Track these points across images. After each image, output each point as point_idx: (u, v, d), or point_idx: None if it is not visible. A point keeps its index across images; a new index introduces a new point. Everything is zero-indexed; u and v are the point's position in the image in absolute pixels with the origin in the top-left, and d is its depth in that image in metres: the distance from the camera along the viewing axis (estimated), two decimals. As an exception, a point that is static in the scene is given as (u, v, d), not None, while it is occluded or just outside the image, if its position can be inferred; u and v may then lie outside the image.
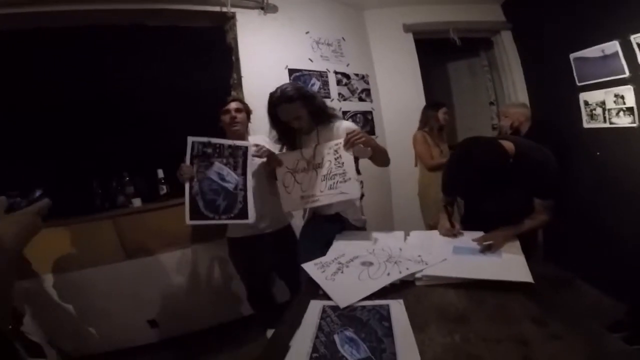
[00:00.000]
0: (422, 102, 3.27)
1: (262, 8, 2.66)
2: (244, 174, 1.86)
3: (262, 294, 2.24)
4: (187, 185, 1.79)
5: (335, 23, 3.05)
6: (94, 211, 2.26)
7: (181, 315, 2.43)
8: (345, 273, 1.25)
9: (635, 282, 1.96)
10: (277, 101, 1.67)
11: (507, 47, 3.48)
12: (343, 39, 3.06)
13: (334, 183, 1.66)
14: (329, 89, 2.90)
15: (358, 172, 1.73)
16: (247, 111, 2.07)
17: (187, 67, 2.87)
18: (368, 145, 1.64)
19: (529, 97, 3.35)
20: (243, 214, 1.84)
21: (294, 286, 2.03)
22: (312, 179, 1.70)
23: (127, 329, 2.32)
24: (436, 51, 3.83)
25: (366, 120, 3.08)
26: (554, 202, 1.48)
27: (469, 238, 1.47)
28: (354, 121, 3.01)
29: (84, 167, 2.43)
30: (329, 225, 1.82)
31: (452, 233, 1.55)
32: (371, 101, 3.19)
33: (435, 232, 1.62)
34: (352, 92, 3.05)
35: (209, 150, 1.83)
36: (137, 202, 2.36)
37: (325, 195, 1.68)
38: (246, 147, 1.86)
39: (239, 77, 2.58)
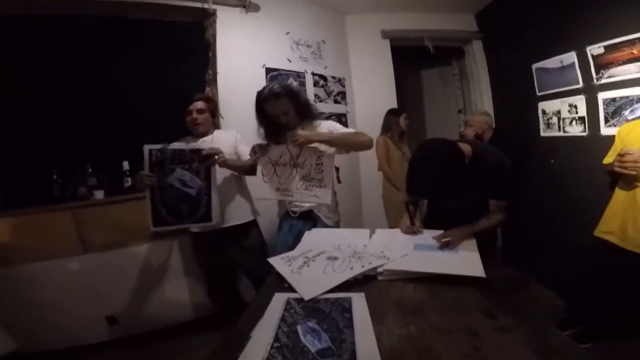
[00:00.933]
0: (394, 106, 3.34)
1: (244, 6, 2.65)
2: (207, 179, 1.85)
3: (224, 287, 2.22)
4: (147, 193, 1.77)
5: (317, 25, 3.08)
6: (53, 202, 2.16)
7: (142, 313, 2.32)
8: (311, 267, 1.27)
9: (578, 282, 2.07)
10: (265, 98, 1.75)
11: (477, 57, 3.61)
12: (323, 41, 3.08)
13: (310, 185, 1.74)
14: (306, 90, 2.91)
15: (338, 180, 1.85)
16: (212, 109, 2.07)
17: (162, 61, 2.80)
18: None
19: (493, 106, 3.50)
20: (206, 217, 1.86)
21: (259, 283, 1.99)
22: (291, 175, 1.76)
23: (83, 325, 2.19)
24: (411, 59, 3.92)
25: (340, 122, 3.09)
26: (508, 203, 1.56)
27: (429, 236, 1.53)
28: None
29: (46, 157, 2.33)
30: (301, 222, 1.88)
31: (412, 231, 1.61)
32: (346, 104, 3.23)
33: (399, 231, 1.67)
34: (328, 94, 3.09)
35: (168, 157, 1.79)
36: (99, 194, 2.26)
37: (300, 193, 1.76)
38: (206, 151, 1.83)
39: (214, 73, 2.55)
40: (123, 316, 2.27)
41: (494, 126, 2.92)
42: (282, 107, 1.75)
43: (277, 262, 1.34)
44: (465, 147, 1.46)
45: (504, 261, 3.07)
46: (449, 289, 1.12)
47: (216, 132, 2.10)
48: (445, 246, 1.40)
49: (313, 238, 1.66)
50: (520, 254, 3.05)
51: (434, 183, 1.32)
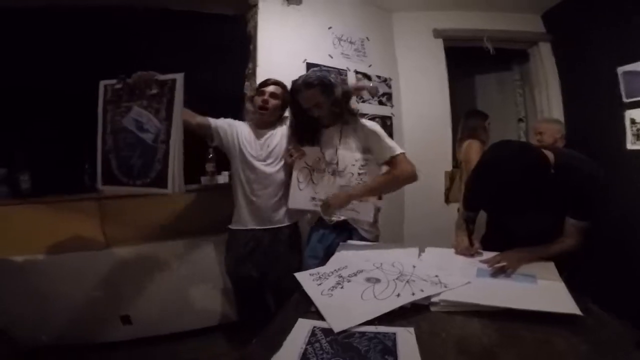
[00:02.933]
0: (446, 112, 3.11)
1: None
2: (168, 118, 1.45)
3: (251, 297, 1.95)
4: (99, 139, 1.52)
5: (361, 22, 2.91)
6: (82, 191, 2.07)
7: (159, 315, 2.20)
8: (346, 289, 1.05)
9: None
10: (298, 87, 1.60)
11: (544, 60, 3.24)
12: (367, 38, 2.90)
13: None
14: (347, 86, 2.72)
15: (380, 197, 1.67)
16: (284, 100, 1.80)
17: (202, 54, 2.79)
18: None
19: (564, 113, 3.10)
20: (160, 179, 1.46)
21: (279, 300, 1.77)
22: (328, 183, 1.61)
23: (96, 322, 2.12)
24: (464, 61, 3.62)
25: (384, 125, 2.88)
26: (589, 225, 1.27)
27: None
28: None
29: (80, 146, 2.28)
30: (334, 233, 1.68)
31: (469, 252, 1.37)
32: (392, 106, 3.00)
33: (453, 251, 1.43)
34: (372, 94, 2.86)
35: (124, 92, 1.48)
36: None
37: None
38: (173, 81, 1.48)
39: (254, 67, 2.45)
40: (138, 317, 2.17)
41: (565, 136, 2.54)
42: (314, 98, 1.57)
43: (305, 278, 1.15)
44: (547, 154, 1.20)
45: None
46: (530, 329, 0.86)
47: (279, 128, 1.85)
48: (499, 272, 1.15)
49: (349, 252, 1.44)
50: (589, 281, 2.59)
51: (511, 191, 1.08)
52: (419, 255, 1.41)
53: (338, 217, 1.67)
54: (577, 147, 2.38)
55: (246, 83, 2.49)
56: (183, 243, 2.23)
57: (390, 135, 2.92)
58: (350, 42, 2.80)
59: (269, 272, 1.81)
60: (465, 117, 2.78)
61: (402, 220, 3.07)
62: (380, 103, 2.92)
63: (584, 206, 1.25)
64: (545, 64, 3.24)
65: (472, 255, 1.36)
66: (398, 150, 1.61)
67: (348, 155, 1.60)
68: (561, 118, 3.02)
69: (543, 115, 3.22)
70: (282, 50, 2.52)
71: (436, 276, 1.11)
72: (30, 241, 1.96)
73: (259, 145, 1.79)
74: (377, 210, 1.69)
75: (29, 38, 2.48)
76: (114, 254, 2.10)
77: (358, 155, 1.60)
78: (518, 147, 1.19)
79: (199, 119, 1.75)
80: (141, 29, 2.70)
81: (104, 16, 2.50)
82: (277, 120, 1.86)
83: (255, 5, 2.49)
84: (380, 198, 1.77)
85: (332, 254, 1.45)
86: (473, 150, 2.54)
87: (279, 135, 1.82)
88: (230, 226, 1.88)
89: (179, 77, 1.48)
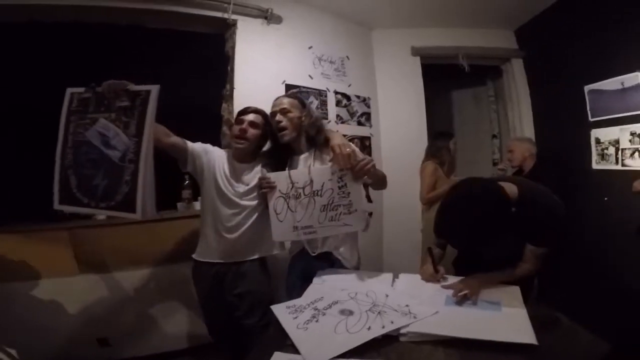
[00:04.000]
0: (423, 130, 3.21)
1: (266, 18, 2.59)
2: (138, 134, 1.33)
3: (224, 328, 1.90)
4: (58, 153, 1.40)
5: (341, 40, 2.99)
6: (52, 219, 2.04)
7: (135, 337, 2.26)
8: (321, 322, 1.10)
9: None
10: (275, 100, 1.65)
11: (516, 77, 3.41)
12: (347, 57, 2.99)
13: (336, 214, 1.50)
14: (327, 109, 2.82)
15: (369, 199, 1.61)
16: (265, 130, 1.73)
17: (182, 73, 2.79)
18: (375, 172, 1.53)
19: (534, 131, 3.27)
20: (128, 202, 1.32)
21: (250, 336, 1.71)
22: (308, 208, 1.51)
23: (73, 345, 2.12)
24: (440, 77, 3.76)
25: (363, 146, 2.98)
26: (547, 251, 1.38)
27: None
28: None
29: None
30: (317, 264, 1.64)
31: (435, 279, 1.44)
32: (370, 126, 3.09)
33: None
34: (352, 114, 2.97)
35: (92, 102, 1.36)
36: (101, 215, 2.09)
37: (325, 227, 1.51)
38: (147, 93, 1.36)
39: (232, 89, 2.48)
40: (115, 339, 2.22)
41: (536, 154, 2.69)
42: (284, 104, 1.61)
43: (282, 312, 1.18)
44: (510, 188, 1.31)
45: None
46: (489, 356, 0.95)
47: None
48: (461, 300, 1.24)
49: (326, 281, 1.48)
50: (558, 292, 2.72)
51: (472, 230, 1.18)
52: (393, 282, 1.46)
53: (321, 249, 1.64)
54: (546, 165, 2.57)
55: (223, 105, 2.50)
56: (158, 270, 2.28)
57: (369, 155, 3.02)
58: (331, 62, 2.88)
59: (237, 306, 1.75)
60: (432, 138, 2.92)
61: (381, 239, 3.15)
62: (359, 124, 3.00)
63: (543, 236, 1.36)
64: (517, 81, 3.41)
65: (437, 281, 1.42)
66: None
67: (322, 170, 1.51)
68: (532, 135, 3.19)
69: (515, 132, 3.39)
70: (261, 71, 2.56)
71: (407, 306, 1.17)
72: (4, 269, 1.96)
73: (235, 180, 1.72)
74: (369, 215, 1.69)
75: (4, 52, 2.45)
76: (88, 280, 2.14)
77: (333, 168, 1.49)
78: (480, 185, 1.27)
79: (175, 139, 1.64)
80: (120, 45, 2.69)
81: (83, 31, 2.48)
82: (257, 153, 1.79)
83: (234, 25, 2.51)
84: (370, 201, 1.72)
85: (311, 280, 1.49)
86: (426, 171, 2.71)
87: (258, 172, 1.72)
88: (194, 256, 1.81)
89: (154, 89, 1.37)
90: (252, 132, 1.69)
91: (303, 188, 1.51)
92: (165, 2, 2.33)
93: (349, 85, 2.97)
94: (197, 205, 2.40)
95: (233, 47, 2.52)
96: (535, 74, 3.30)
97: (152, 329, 2.30)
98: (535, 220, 1.30)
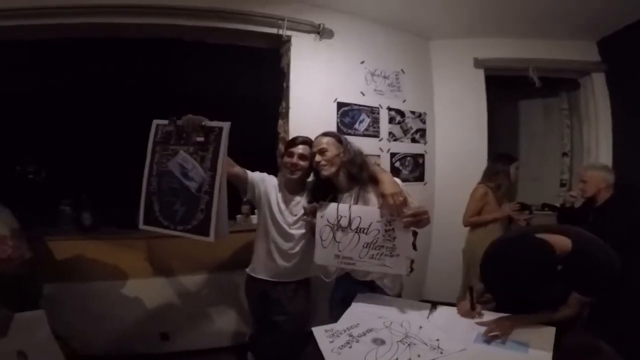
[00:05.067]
0: (483, 148, 3.06)
1: (318, 33, 2.60)
2: (213, 168, 1.52)
3: (265, 340, 2.07)
4: (144, 180, 1.63)
5: (396, 52, 2.93)
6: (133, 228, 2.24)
7: (193, 333, 2.56)
8: (354, 349, 1.24)
9: None
10: (314, 140, 1.74)
11: (596, 92, 3.11)
12: (402, 71, 2.93)
13: (377, 254, 1.56)
14: (379, 127, 2.80)
15: (415, 247, 1.62)
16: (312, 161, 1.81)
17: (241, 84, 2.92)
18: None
19: (613, 155, 2.97)
20: (203, 227, 1.53)
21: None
22: (352, 242, 1.59)
23: (139, 338, 2.47)
24: (506, 85, 3.50)
25: (416, 165, 2.92)
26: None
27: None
28: (402, 165, 2.87)
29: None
30: (359, 288, 1.74)
31: (471, 315, 1.48)
32: (425, 143, 3.02)
33: None
34: (405, 131, 2.92)
35: (173, 134, 1.56)
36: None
37: (364, 262, 1.58)
38: (220, 130, 1.53)
39: (287, 107, 2.56)
40: (174, 334, 2.53)
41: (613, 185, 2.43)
42: (322, 144, 1.68)
43: (320, 334, 1.33)
44: (562, 242, 1.31)
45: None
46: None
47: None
48: (491, 339, 1.28)
49: (364, 307, 1.58)
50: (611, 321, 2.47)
51: (514, 288, 1.26)
52: (430, 313, 1.51)
53: (365, 277, 1.72)
54: (627, 197, 2.30)
55: (280, 122, 2.60)
56: (215, 276, 2.54)
57: (422, 174, 2.94)
58: (384, 77, 2.83)
59: (280, 323, 1.90)
60: (492, 159, 2.76)
61: (426, 256, 3.11)
62: (413, 140, 2.94)
63: (594, 290, 1.34)
64: (597, 97, 3.11)
65: (473, 318, 1.46)
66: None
67: (371, 212, 1.57)
68: (609, 159, 2.89)
69: (589, 154, 3.10)
70: (314, 88, 2.60)
71: (437, 340, 1.26)
72: (91, 270, 2.33)
73: (288, 211, 1.86)
74: (411, 262, 1.74)
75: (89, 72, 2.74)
76: (158, 282, 2.47)
77: (382, 212, 1.54)
78: (521, 245, 1.27)
79: (237, 169, 1.81)
80: (179, 58, 2.87)
81: (148, 46, 2.68)
82: (305, 183, 1.90)
83: (288, 41, 2.56)
84: (415, 249, 1.77)
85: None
86: (475, 195, 2.59)
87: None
88: (247, 270, 2.00)
89: (226, 127, 1.53)
90: (301, 164, 1.79)
91: (350, 223, 1.59)
92: (224, 20, 2.42)
93: (404, 101, 2.92)
94: (254, 219, 2.56)
95: (288, 64, 2.58)
96: (619, 91, 2.98)
97: (205, 327, 2.56)
98: (587, 276, 1.31)
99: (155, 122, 1.66)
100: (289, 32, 2.52)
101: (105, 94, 2.75)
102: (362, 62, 2.75)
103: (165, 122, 1.62)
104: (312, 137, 1.80)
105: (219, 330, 2.57)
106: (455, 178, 2.97)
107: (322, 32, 2.60)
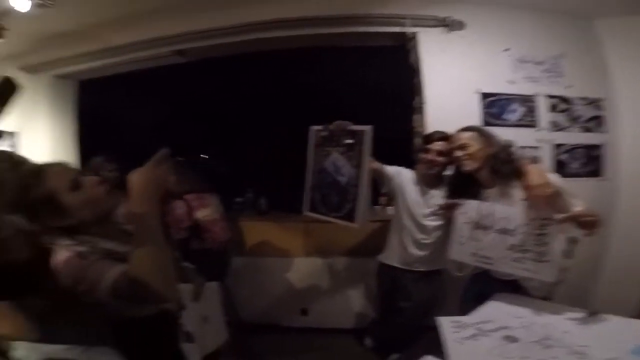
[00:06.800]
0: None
1: (446, 25, 2.52)
2: (359, 165, 1.77)
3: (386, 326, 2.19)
4: (307, 176, 1.99)
5: (550, 36, 2.56)
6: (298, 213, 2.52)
7: (330, 312, 2.84)
8: (479, 342, 1.10)
9: None
10: (453, 136, 1.70)
11: None
12: (561, 55, 2.52)
13: (522, 257, 1.40)
14: (534, 117, 2.46)
15: (570, 255, 1.38)
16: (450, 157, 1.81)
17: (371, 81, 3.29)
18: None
19: None
20: (350, 215, 1.81)
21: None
22: (494, 241, 1.47)
23: (281, 311, 2.90)
24: None
25: (589, 158, 2.40)
26: None
27: None
28: (572, 157, 2.43)
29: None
30: (498, 287, 1.54)
31: None
32: (604, 132, 2.47)
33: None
34: (574, 119, 2.46)
35: (327, 138, 1.87)
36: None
37: (504, 264, 1.45)
38: (363, 132, 1.78)
39: (421, 102, 2.54)
40: (314, 311, 2.88)
41: None
42: (462, 139, 1.62)
43: (445, 323, 1.22)
44: None
45: None
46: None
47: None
48: None
49: (501, 306, 1.38)
50: None
51: None
52: (583, 321, 1.24)
53: (507, 277, 1.51)
54: None
55: (415, 116, 2.59)
56: (355, 260, 2.80)
57: (597, 169, 2.40)
58: (537, 63, 2.51)
59: (404, 307, 2.01)
60: None
61: (600, 261, 2.49)
62: (586, 130, 2.46)
63: None
64: None
65: None
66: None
67: (519, 213, 1.43)
68: None
69: None
70: (449, 82, 2.51)
71: (582, 346, 1.04)
72: (262, 246, 2.91)
73: (422, 202, 1.94)
74: (564, 271, 1.41)
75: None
76: (307, 261, 2.87)
77: (538, 214, 1.40)
78: None
79: (376, 165, 1.95)
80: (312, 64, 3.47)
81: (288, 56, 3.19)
82: (442, 177, 1.91)
83: (413, 38, 2.56)
84: (571, 257, 1.45)
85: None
86: None
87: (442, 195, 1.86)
88: (379, 257, 2.14)
89: (369, 130, 1.80)
90: (438, 161, 1.85)
91: (494, 223, 1.48)
92: (346, 24, 2.61)
93: (568, 87, 2.49)
94: (390, 210, 2.56)
95: (417, 59, 2.57)
96: None
97: (336, 307, 2.83)
98: None
99: (313, 128, 2.00)
100: (414, 29, 2.54)
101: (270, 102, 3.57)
102: (507, 50, 2.51)
103: (320, 127, 1.97)
104: (452, 131, 1.76)
105: (348, 312, 2.81)
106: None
107: (450, 25, 2.52)
